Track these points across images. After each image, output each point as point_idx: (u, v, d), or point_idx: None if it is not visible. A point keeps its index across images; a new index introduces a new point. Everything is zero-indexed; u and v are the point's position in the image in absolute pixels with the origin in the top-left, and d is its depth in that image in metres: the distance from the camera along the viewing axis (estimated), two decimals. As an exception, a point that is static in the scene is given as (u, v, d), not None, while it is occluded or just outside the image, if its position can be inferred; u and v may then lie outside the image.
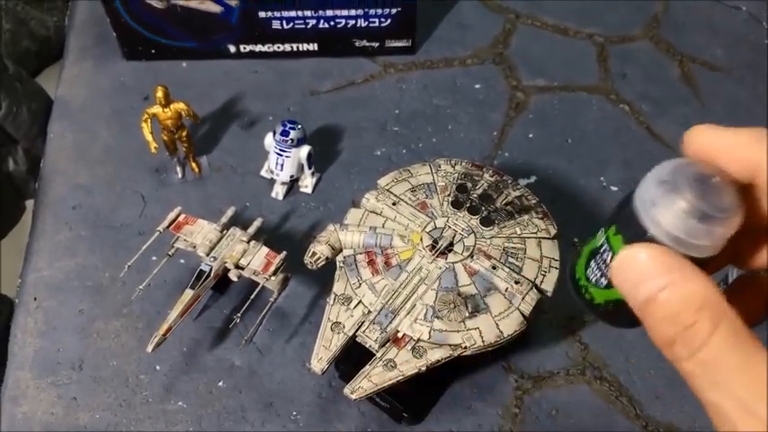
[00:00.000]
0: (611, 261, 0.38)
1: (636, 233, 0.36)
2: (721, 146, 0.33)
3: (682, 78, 1.04)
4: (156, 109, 0.84)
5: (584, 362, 0.79)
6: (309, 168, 0.88)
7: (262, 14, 0.97)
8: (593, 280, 0.40)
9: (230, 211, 0.78)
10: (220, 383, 0.76)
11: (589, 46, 1.07)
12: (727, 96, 1.02)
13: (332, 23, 0.99)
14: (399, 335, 0.65)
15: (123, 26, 0.97)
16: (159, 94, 0.82)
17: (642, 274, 0.31)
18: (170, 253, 0.76)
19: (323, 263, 0.69)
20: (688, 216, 0.34)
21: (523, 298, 0.67)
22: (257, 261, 0.73)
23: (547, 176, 0.93)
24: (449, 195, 0.74)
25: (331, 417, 0.74)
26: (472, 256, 0.69)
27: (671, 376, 0.77)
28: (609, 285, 0.39)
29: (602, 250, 0.39)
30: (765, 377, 0.28)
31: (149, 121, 0.85)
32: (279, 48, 1.02)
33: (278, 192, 0.90)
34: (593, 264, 0.40)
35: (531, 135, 0.97)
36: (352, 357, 0.67)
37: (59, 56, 1.08)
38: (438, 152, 0.94)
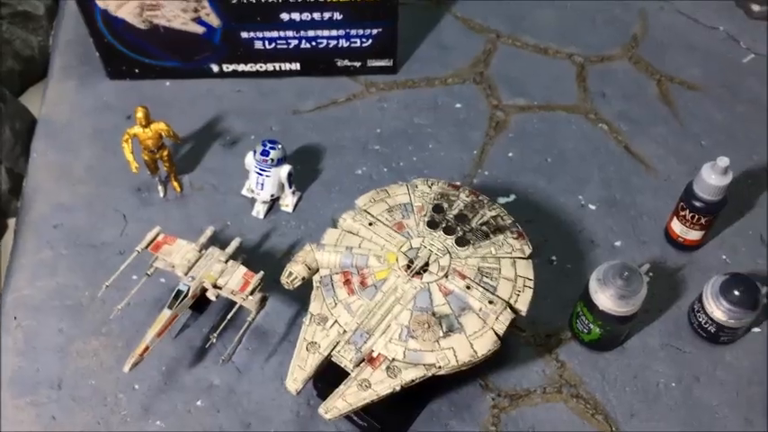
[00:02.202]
0: (588, 323, 0.78)
1: (592, 307, 0.76)
2: None
3: (660, 97, 1.05)
4: (137, 129, 0.84)
5: (560, 380, 0.79)
6: (290, 187, 0.89)
7: (244, 35, 0.98)
8: (581, 329, 0.80)
9: (209, 231, 0.78)
10: (198, 402, 0.76)
11: (569, 66, 1.09)
12: (704, 115, 1.03)
13: (314, 43, 1.00)
14: (374, 354, 0.66)
15: (106, 46, 0.98)
16: (139, 114, 0.83)
17: None
18: (149, 272, 0.76)
19: (299, 283, 0.70)
20: (614, 297, 0.74)
21: (497, 317, 0.67)
22: (235, 281, 0.73)
23: (526, 195, 0.94)
24: (425, 215, 0.74)
25: (309, 435, 0.75)
26: (447, 276, 0.69)
27: (646, 393, 0.78)
28: (589, 333, 0.78)
29: (580, 314, 0.79)
30: None
31: (130, 141, 0.85)
32: (261, 67, 1.03)
33: (259, 210, 0.90)
34: (578, 322, 0.79)
35: (510, 154, 0.98)
36: (329, 376, 0.68)
37: (43, 75, 1.09)
38: (419, 171, 0.95)
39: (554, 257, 0.88)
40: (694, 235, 0.86)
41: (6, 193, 0.94)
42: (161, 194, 0.92)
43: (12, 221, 0.94)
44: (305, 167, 0.95)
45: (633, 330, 0.82)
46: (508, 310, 0.68)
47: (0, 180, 0.93)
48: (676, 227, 0.87)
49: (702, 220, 0.84)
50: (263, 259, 0.86)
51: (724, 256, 0.89)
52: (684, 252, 0.89)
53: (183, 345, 0.80)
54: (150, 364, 0.77)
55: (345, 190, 0.93)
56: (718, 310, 0.78)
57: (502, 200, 0.92)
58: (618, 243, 0.90)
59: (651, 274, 0.85)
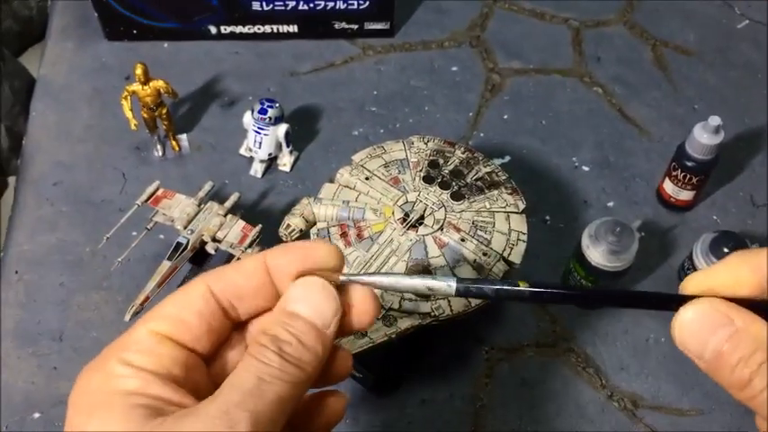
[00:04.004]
0: (580, 279, 0.79)
1: (584, 263, 0.77)
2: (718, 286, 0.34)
3: (654, 62, 1.06)
4: (136, 86, 0.85)
5: (553, 334, 0.81)
6: (287, 146, 0.90)
7: (242, -4, 0.98)
8: (573, 283, 0.81)
9: (207, 186, 0.79)
10: (198, 354, 0.78)
11: (564, 30, 1.09)
12: (698, 80, 1.04)
13: (312, 5, 1.01)
14: (370, 304, 0.67)
15: (105, 6, 0.99)
16: (138, 71, 0.83)
17: (699, 335, 0.34)
18: (149, 227, 0.78)
19: (297, 235, 0.71)
20: (605, 252, 0.75)
21: (491, 269, 0.69)
22: (233, 234, 0.75)
23: (521, 156, 0.95)
24: (421, 171, 0.76)
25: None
26: (442, 229, 0.71)
27: (636, 348, 0.80)
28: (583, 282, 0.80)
29: (572, 271, 0.80)
30: None
31: (129, 98, 0.86)
32: (259, 29, 1.04)
33: (256, 169, 0.91)
34: (570, 278, 0.81)
35: (506, 116, 0.99)
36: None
37: (42, 36, 1.09)
38: (415, 132, 0.95)
39: (547, 217, 0.90)
40: (686, 195, 0.87)
41: (6, 152, 0.95)
42: (159, 154, 0.93)
43: (12, 179, 0.95)
44: (302, 128, 0.96)
45: (624, 287, 0.84)
46: (502, 262, 0.70)
47: (0, 138, 0.94)
48: (668, 187, 0.88)
49: (694, 180, 0.85)
50: (261, 217, 0.87)
51: (715, 217, 0.90)
52: (676, 212, 0.90)
53: (183, 299, 0.81)
54: (150, 317, 0.79)
55: (342, 150, 0.94)
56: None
57: (497, 161, 0.94)
58: (610, 204, 0.91)
59: (642, 233, 0.86)
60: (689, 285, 0.35)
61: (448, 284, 0.35)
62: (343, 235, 0.71)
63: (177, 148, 0.93)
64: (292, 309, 0.34)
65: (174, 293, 0.35)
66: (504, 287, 0.35)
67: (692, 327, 0.34)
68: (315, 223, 0.73)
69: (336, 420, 0.38)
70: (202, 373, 0.35)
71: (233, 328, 0.36)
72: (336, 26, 1.04)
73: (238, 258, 0.76)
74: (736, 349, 0.32)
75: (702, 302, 0.34)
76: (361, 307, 0.36)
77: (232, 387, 0.31)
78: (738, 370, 0.32)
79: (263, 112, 0.87)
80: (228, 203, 0.78)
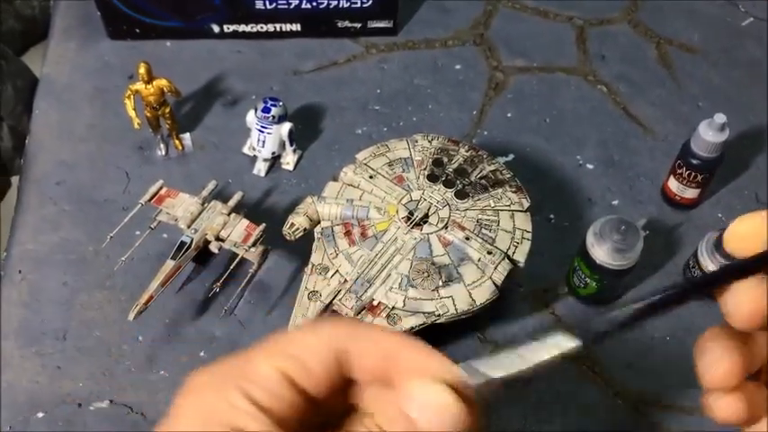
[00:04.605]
0: (584, 277, 0.78)
1: (589, 261, 0.76)
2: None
3: (659, 60, 1.06)
4: (139, 85, 0.85)
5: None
6: (291, 145, 0.90)
7: (245, -6, 0.98)
8: (578, 284, 0.80)
9: (211, 185, 0.79)
10: (202, 354, 0.78)
11: (568, 28, 1.09)
12: (702, 79, 1.04)
13: (314, 4, 1.00)
14: (375, 303, 0.67)
15: (108, 5, 0.98)
16: (141, 70, 0.83)
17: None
18: (152, 226, 0.77)
19: (300, 234, 0.71)
20: (610, 251, 0.74)
21: (496, 268, 0.69)
22: (237, 233, 0.75)
23: (525, 155, 0.95)
24: (425, 169, 0.75)
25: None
26: (446, 228, 0.71)
27: (641, 346, 0.80)
28: (586, 288, 0.80)
29: (577, 269, 0.79)
30: None
31: (132, 97, 0.86)
32: (262, 28, 1.03)
33: (260, 168, 0.91)
34: (575, 276, 0.80)
35: (509, 114, 0.99)
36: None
37: (45, 35, 1.09)
38: (418, 131, 0.95)
39: (552, 216, 0.89)
40: (691, 193, 0.87)
41: (9, 151, 0.95)
42: (162, 152, 0.92)
43: (15, 179, 0.95)
44: (306, 127, 0.96)
45: (629, 286, 0.83)
46: (506, 260, 0.70)
47: (3, 138, 0.94)
48: (673, 185, 0.88)
49: (699, 178, 0.85)
50: (264, 216, 0.87)
51: (720, 214, 0.90)
52: (681, 211, 0.90)
53: (186, 298, 0.81)
54: (154, 316, 0.79)
55: (346, 149, 0.94)
56: (712, 265, 0.79)
57: (501, 159, 0.93)
58: (615, 202, 0.91)
59: (648, 231, 0.86)
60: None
61: (577, 345, 0.32)
62: (348, 234, 0.71)
63: (180, 147, 0.92)
64: (409, 409, 0.30)
65: (302, 331, 0.32)
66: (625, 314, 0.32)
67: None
68: (319, 222, 0.72)
69: None
70: (305, 420, 0.32)
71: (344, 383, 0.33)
72: (339, 24, 1.04)
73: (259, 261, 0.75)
74: None
75: None
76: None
77: None
78: None
79: (266, 110, 0.87)
80: (232, 202, 0.78)
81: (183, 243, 0.73)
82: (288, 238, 0.71)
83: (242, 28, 1.03)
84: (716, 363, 0.32)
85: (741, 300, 0.30)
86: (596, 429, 0.75)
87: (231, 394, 0.30)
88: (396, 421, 0.30)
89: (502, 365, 0.31)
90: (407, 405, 0.30)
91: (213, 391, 0.30)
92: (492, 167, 0.77)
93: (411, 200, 0.72)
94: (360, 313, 0.67)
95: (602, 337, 0.32)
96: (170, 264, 0.72)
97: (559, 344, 0.31)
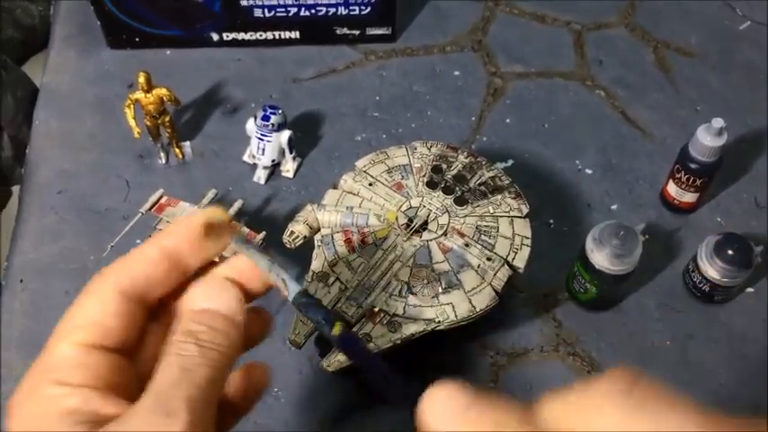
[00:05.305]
0: (584, 282, 0.79)
1: (588, 267, 0.77)
2: None
3: (656, 64, 1.06)
4: (139, 94, 0.85)
5: (557, 338, 0.81)
6: (290, 153, 0.90)
7: (243, 2, 0.98)
8: (578, 289, 0.81)
9: (211, 193, 0.80)
10: (203, 362, 0.78)
11: (566, 33, 1.09)
12: (700, 82, 1.04)
13: (313, 11, 1.01)
14: (375, 310, 0.67)
15: (107, 14, 0.99)
16: (141, 79, 0.83)
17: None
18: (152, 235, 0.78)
19: (300, 241, 0.71)
20: (610, 256, 0.74)
21: (495, 274, 0.69)
22: (238, 241, 0.75)
23: (524, 160, 0.95)
24: (424, 176, 0.76)
25: (312, 393, 0.76)
26: (446, 235, 0.71)
27: (641, 352, 0.80)
28: (585, 293, 0.80)
29: (576, 274, 0.80)
30: None
31: (132, 106, 0.86)
32: (261, 36, 1.04)
33: (260, 176, 0.91)
34: (575, 281, 0.80)
35: (508, 120, 0.99)
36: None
37: (45, 44, 1.09)
38: (417, 137, 0.96)
39: (551, 221, 0.90)
40: (689, 197, 0.87)
41: (10, 160, 0.95)
42: (162, 161, 0.93)
43: (16, 189, 0.95)
44: (305, 134, 0.96)
45: (629, 290, 0.83)
46: (506, 266, 0.70)
47: (3, 147, 0.94)
48: (672, 189, 0.88)
49: (698, 182, 0.85)
50: (265, 223, 0.87)
51: (719, 219, 0.90)
52: (680, 215, 0.90)
53: (187, 306, 0.82)
54: (155, 324, 0.79)
55: (345, 156, 0.94)
56: (712, 269, 0.79)
57: (500, 165, 0.94)
58: (614, 206, 0.91)
59: (647, 236, 0.86)
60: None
61: (292, 291, 0.38)
62: (347, 241, 0.71)
63: (180, 156, 0.93)
64: (198, 306, 0.35)
65: (81, 299, 0.35)
66: (322, 322, 0.37)
67: None
68: (319, 230, 0.73)
69: (263, 387, 0.40)
70: (130, 371, 0.35)
71: (146, 316, 0.37)
72: (338, 32, 1.04)
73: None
74: None
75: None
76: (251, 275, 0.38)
77: (161, 381, 0.32)
78: None
79: (265, 119, 0.87)
80: (232, 211, 0.78)
81: (183, 252, 0.73)
82: (288, 245, 0.71)
83: (241, 36, 1.04)
84: None
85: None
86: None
87: (43, 387, 0.32)
88: (188, 317, 0.35)
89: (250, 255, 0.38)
90: (194, 303, 0.36)
91: (28, 397, 0.32)
92: (491, 174, 0.77)
93: (410, 207, 0.73)
94: (360, 320, 0.67)
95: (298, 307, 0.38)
96: (171, 273, 0.72)
97: (278, 283, 0.38)
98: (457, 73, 1.04)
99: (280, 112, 0.88)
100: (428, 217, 0.72)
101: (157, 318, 0.37)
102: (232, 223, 0.39)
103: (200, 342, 0.33)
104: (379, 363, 0.35)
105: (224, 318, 0.35)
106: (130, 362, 0.35)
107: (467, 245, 0.70)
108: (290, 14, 1.01)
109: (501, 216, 0.73)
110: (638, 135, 0.98)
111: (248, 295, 0.38)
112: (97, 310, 0.35)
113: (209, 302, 0.36)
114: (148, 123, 0.88)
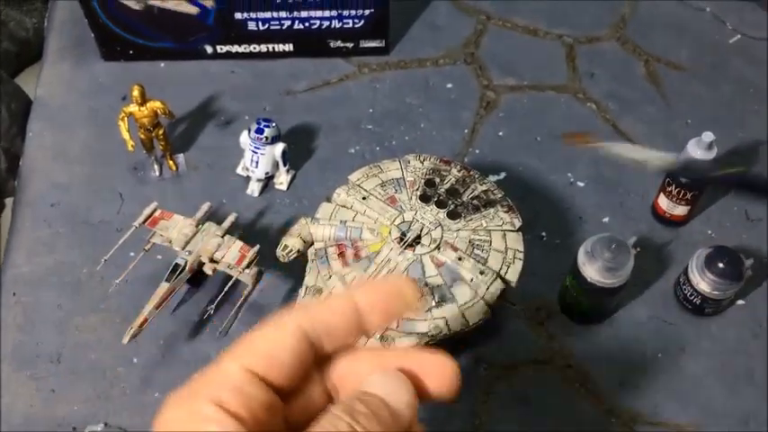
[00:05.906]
0: (576, 295, 0.80)
1: (580, 280, 0.77)
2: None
3: (647, 78, 1.07)
4: (133, 107, 0.85)
5: (550, 351, 0.81)
6: (284, 165, 0.91)
7: (238, 15, 0.99)
8: (570, 302, 0.81)
9: (205, 207, 0.80)
10: (197, 375, 0.78)
11: (558, 46, 1.10)
12: (691, 95, 1.05)
13: (307, 24, 1.01)
14: (368, 324, 0.68)
15: (101, 27, 0.99)
16: (135, 92, 0.84)
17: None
18: (146, 248, 0.78)
19: (294, 255, 0.71)
20: (601, 269, 0.75)
21: (488, 288, 0.69)
22: (231, 255, 0.75)
23: (516, 173, 0.96)
24: (417, 190, 0.76)
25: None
26: (439, 248, 0.71)
27: (633, 364, 0.80)
28: (578, 305, 0.81)
29: (568, 287, 0.80)
30: None
31: (126, 119, 0.86)
32: (255, 48, 1.04)
33: (253, 189, 0.92)
34: (567, 294, 0.81)
35: (501, 133, 1.00)
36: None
37: (39, 57, 1.09)
38: (410, 150, 0.96)
39: (544, 233, 0.90)
40: (680, 210, 0.88)
41: (3, 173, 0.95)
42: (156, 173, 0.93)
43: (9, 201, 0.95)
44: (299, 147, 0.96)
45: (621, 303, 0.84)
46: (499, 280, 0.70)
47: (-3, 160, 0.95)
48: (663, 203, 0.88)
49: (688, 195, 0.86)
50: (258, 236, 0.88)
51: (710, 231, 0.91)
52: (671, 228, 0.91)
53: (181, 320, 0.82)
54: (148, 338, 0.79)
55: (339, 168, 0.94)
56: (703, 282, 0.80)
57: (492, 178, 0.94)
58: (606, 219, 0.92)
59: (638, 248, 0.87)
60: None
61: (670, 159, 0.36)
62: (341, 255, 0.71)
63: (174, 168, 0.93)
64: (371, 389, 0.34)
65: (264, 328, 0.34)
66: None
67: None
68: (312, 243, 0.73)
69: None
70: (279, 414, 0.34)
71: (313, 366, 0.35)
72: (332, 44, 1.05)
73: (256, 281, 0.76)
74: None
75: None
76: (439, 373, 0.36)
77: None
78: None
79: (259, 131, 0.87)
80: (226, 224, 0.78)
81: (177, 265, 0.74)
82: (281, 259, 0.72)
83: (235, 49, 1.04)
84: None
85: None
86: (590, 447, 0.75)
87: (198, 402, 0.31)
88: (355, 395, 0.33)
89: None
90: (366, 387, 0.33)
91: (181, 405, 0.31)
92: (484, 187, 0.78)
93: (404, 221, 0.73)
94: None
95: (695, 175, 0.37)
96: (164, 286, 0.72)
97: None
98: (450, 86, 1.05)
99: (273, 125, 0.88)
100: (421, 231, 0.72)
101: (321, 375, 0.36)
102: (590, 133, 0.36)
103: (355, 424, 0.32)
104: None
105: (390, 410, 0.33)
106: (283, 406, 0.34)
107: (460, 259, 0.70)
108: (284, 27, 1.01)
109: (494, 230, 0.74)
110: (629, 148, 0.99)
111: (423, 394, 0.35)
112: (276, 338, 0.33)
113: (382, 389, 0.33)
114: (142, 136, 0.88)
